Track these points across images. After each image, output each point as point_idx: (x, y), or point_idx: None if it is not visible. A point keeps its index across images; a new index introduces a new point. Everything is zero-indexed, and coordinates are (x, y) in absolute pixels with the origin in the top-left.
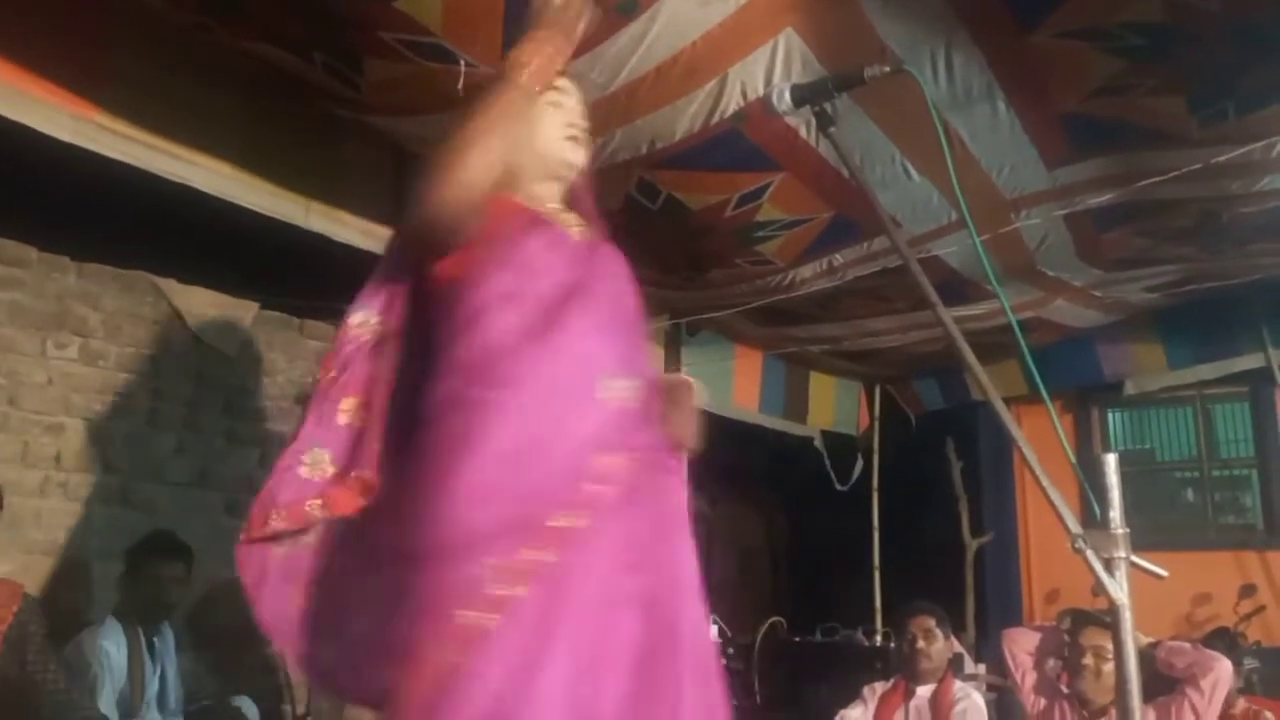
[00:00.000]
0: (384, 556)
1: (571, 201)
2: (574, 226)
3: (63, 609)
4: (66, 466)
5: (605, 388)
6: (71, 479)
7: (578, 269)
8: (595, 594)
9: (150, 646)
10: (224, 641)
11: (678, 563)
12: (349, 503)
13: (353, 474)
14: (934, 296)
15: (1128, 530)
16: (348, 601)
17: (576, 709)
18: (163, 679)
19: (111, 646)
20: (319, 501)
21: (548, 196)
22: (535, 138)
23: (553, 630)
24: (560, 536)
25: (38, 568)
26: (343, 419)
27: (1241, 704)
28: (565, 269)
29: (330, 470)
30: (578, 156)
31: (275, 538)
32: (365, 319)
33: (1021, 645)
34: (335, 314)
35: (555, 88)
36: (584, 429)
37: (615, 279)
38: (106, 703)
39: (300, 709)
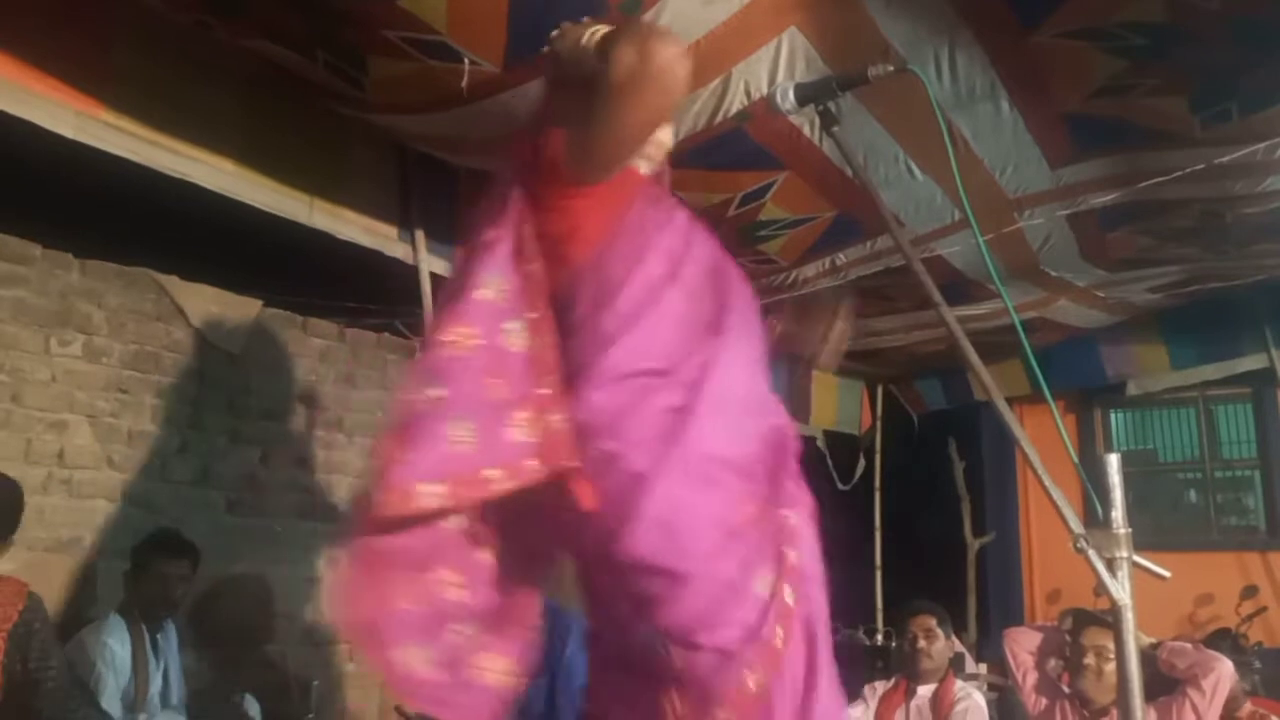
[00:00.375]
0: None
1: (656, 179)
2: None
3: (66, 606)
4: (70, 464)
5: (765, 378)
6: (75, 476)
7: (713, 255)
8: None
9: (154, 644)
10: (226, 639)
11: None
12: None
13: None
14: (937, 296)
15: (1130, 530)
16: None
17: None
18: (166, 676)
19: (115, 644)
20: (499, 471)
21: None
22: None
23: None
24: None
25: (41, 565)
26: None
27: (1248, 707)
28: (705, 256)
29: (470, 443)
30: (669, 139)
31: (412, 520)
32: (492, 282)
33: (1023, 645)
34: (339, 312)
35: None
36: (768, 428)
37: (732, 263)
38: (110, 700)
39: (302, 706)
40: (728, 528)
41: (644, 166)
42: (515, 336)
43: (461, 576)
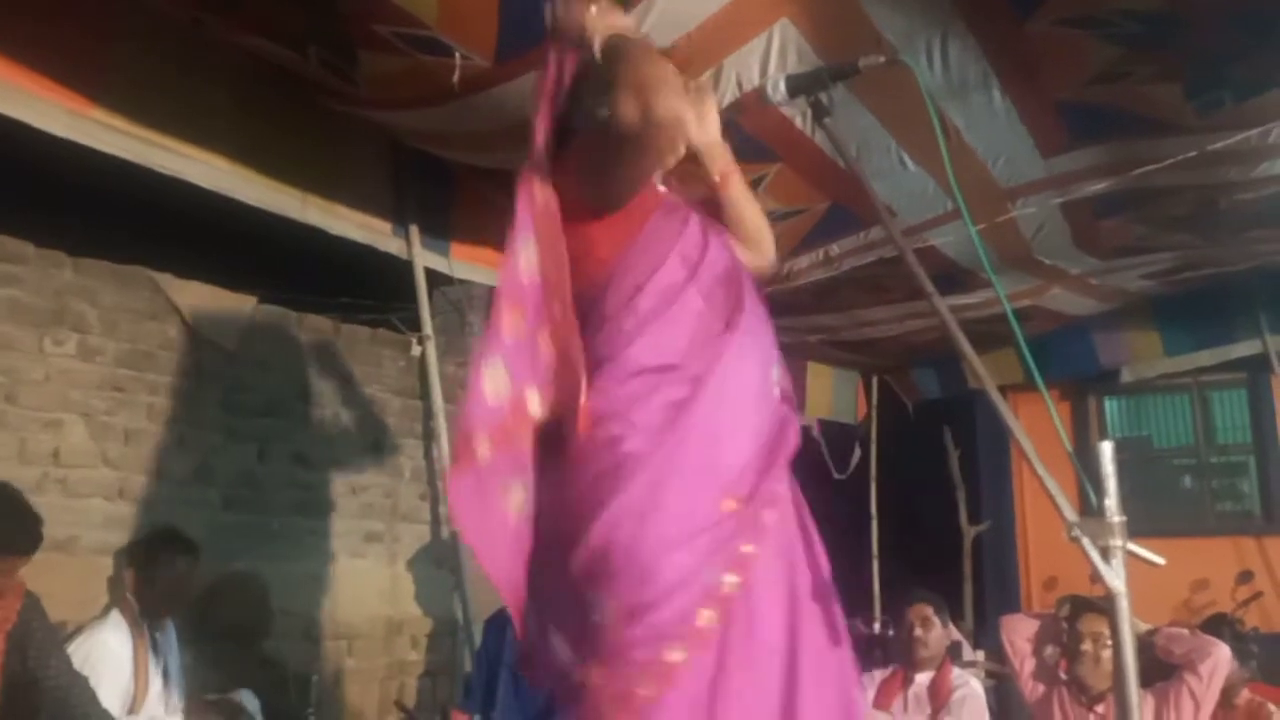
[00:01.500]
0: (566, 555)
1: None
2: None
3: (64, 606)
4: (65, 463)
5: (774, 375)
6: (70, 475)
7: (727, 258)
8: (774, 610)
9: (153, 642)
10: (225, 636)
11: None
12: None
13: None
14: (929, 286)
15: (1124, 518)
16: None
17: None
18: (165, 674)
19: (115, 642)
20: (536, 393)
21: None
22: None
23: (738, 656)
24: (765, 534)
25: (38, 564)
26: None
27: (1244, 692)
28: (718, 260)
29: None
30: (680, 151)
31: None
32: (530, 259)
33: (1020, 632)
34: (333, 308)
35: None
36: (769, 422)
37: (745, 267)
38: (109, 699)
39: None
40: (698, 520)
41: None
42: (527, 258)
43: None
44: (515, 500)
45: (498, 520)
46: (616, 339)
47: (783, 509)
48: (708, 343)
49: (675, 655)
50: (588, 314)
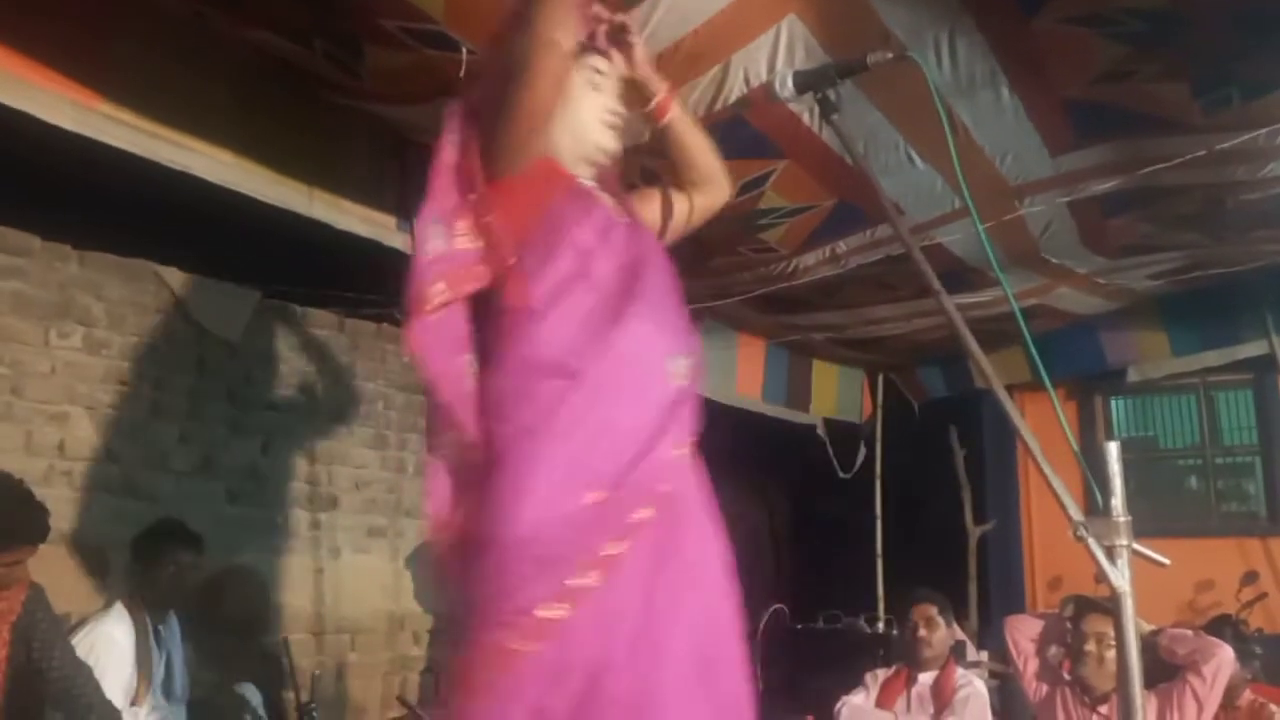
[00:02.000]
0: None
1: (601, 181)
2: (613, 205)
3: (69, 598)
4: (70, 455)
5: (672, 367)
6: (75, 468)
7: (630, 250)
8: (664, 585)
9: (156, 634)
10: (227, 629)
11: (716, 552)
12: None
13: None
14: (936, 284)
15: (1129, 518)
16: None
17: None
18: (169, 667)
19: (118, 634)
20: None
21: (582, 176)
22: (572, 118)
23: (619, 621)
24: (636, 529)
25: (43, 557)
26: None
27: (1247, 694)
28: (622, 250)
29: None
30: (613, 144)
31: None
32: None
33: (1024, 632)
34: (337, 302)
35: (594, 68)
36: (657, 412)
37: (660, 259)
38: (112, 690)
39: (303, 696)
40: (555, 510)
41: (585, 171)
42: (449, 151)
43: None
44: (466, 360)
45: (456, 367)
46: (509, 330)
47: (665, 507)
48: (594, 337)
49: (521, 646)
50: (491, 298)
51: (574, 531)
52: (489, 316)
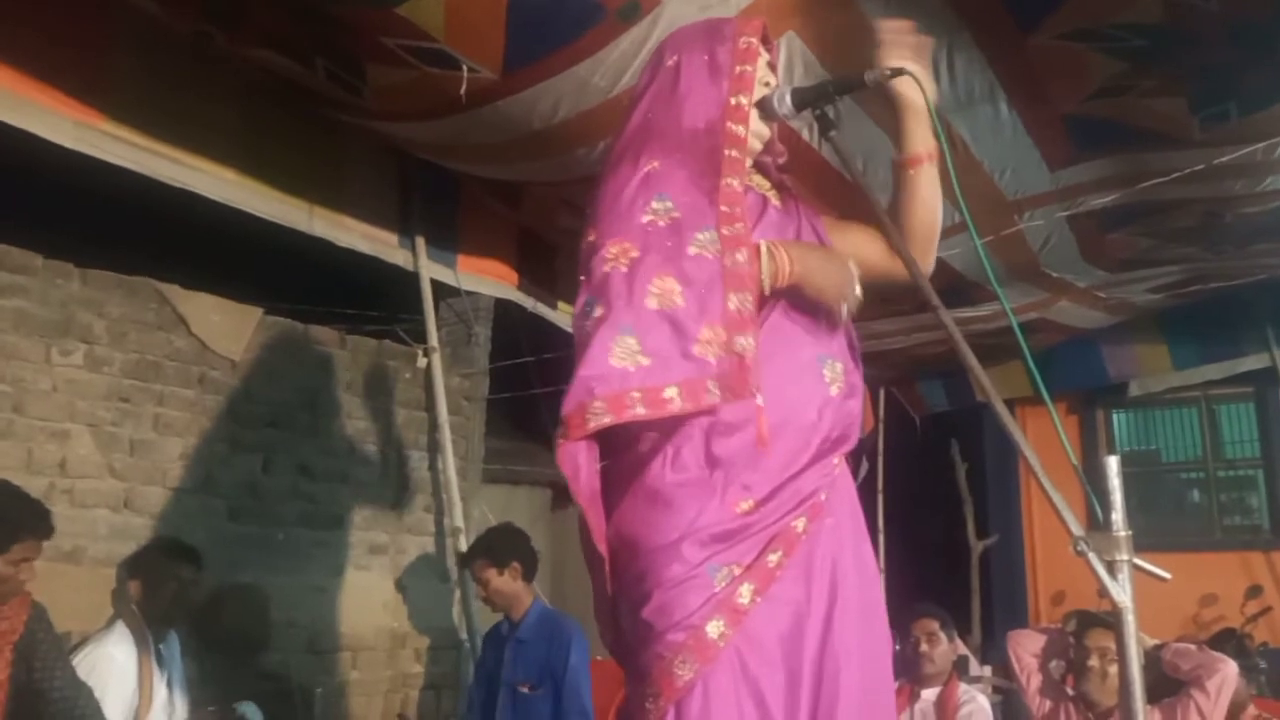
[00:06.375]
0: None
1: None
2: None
3: (70, 616)
4: (71, 473)
5: (828, 373)
6: (77, 485)
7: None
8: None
9: (157, 653)
10: (228, 647)
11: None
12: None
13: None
14: (935, 299)
15: (1130, 532)
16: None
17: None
18: (169, 685)
19: (119, 653)
20: (676, 390)
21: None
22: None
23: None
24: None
25: (45, 575)
26: (652, 303)
27: (1251, 710)
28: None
29: (644, 360)
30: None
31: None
32: (663, 205)
33: (1027, 647)
34: (339, 319)
35: (764, 82)
36: (815, 419)
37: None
38: (114, 710)
39: (305, 714)
40: (706, 520)
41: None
42: (707, 247)
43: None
44: None
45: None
46: None
47: (821, 517)
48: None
49: (682, 669)
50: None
51: (725, 543)
52: None
